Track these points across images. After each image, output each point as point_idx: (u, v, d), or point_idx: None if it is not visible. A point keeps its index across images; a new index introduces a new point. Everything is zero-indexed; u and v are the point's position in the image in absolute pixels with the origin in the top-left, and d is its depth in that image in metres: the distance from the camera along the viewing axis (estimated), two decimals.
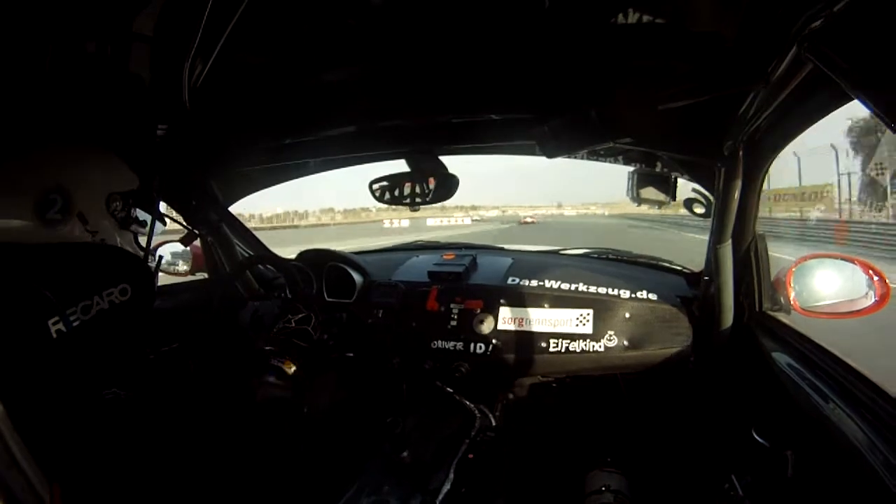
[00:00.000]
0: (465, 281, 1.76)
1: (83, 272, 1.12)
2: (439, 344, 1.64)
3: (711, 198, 1.33)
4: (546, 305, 1.59)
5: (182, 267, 1.90)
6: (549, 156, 1.24)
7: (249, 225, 2.18)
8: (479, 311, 1.64)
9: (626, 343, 1.50)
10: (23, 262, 1.02)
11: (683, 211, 1.42)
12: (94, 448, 0.98)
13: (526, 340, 1.57)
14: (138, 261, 1.31)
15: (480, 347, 1.60)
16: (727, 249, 1.29)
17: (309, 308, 1.56)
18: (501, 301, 1.63)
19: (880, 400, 0.86)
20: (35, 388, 0.91)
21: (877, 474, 0.71)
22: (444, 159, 1.48)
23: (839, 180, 16.07)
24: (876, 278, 1.26)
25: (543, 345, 1.54)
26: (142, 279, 1.26)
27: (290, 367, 1.38)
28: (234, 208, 1.99)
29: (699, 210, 1.36)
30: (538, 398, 1.70)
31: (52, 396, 0.96)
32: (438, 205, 1.49)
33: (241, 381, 1.56)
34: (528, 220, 44.96)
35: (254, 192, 1.98)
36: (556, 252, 2.15)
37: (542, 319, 1.57)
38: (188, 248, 1.85)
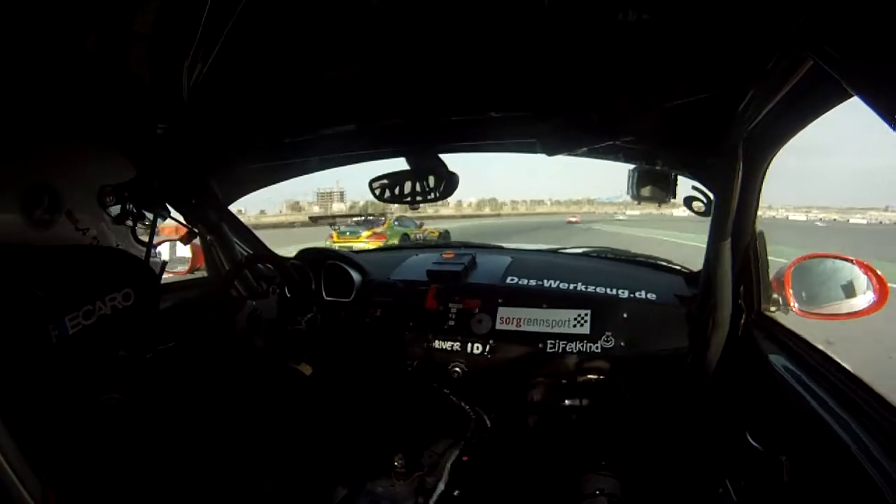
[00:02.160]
0: (464, 280, 1.76)
1: (86, 276, 1.12)
2: (437, 343, 1.64)
3: (711, 196, 1.33)
4: (544, 305, 1.59)
5: (181, 265, 1.90)
6: (550, 153, 1.24)
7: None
8: (477, 310, 1.64)
9: (623, 344, 1.49)
10: (24, 265, 1.01)
11: None
12: (92, 453, 0.98)
13: (523, 341, 1.56)
14: (142, 265, 1.31)
15: (478, 347, 1.59)
16: (726, 248, 1.29)
17: (320, 308, 1.55)
18: (499, 301, 1.63)
19: (877, 405, 0.85)
20: (34, 394, 0.91)
21: (872, 481, 0.70)
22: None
23: None
24: (874, 279, 1.26)
25: (540, 345, 1.54)
26: (145, 284, 1.25)
27: (307, 370, 1.37)
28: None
29: (699, 208, 1.35)
30: (534, 400, 1.70)
31: (52, 402, 0.95)
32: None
33: (240, 381, 1.56)
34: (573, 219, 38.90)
35: (254, 190, 1.98)
36: (554, 251, 2.15)
37: (539, 319, 1.57)
38: (187, 247, 1.85)
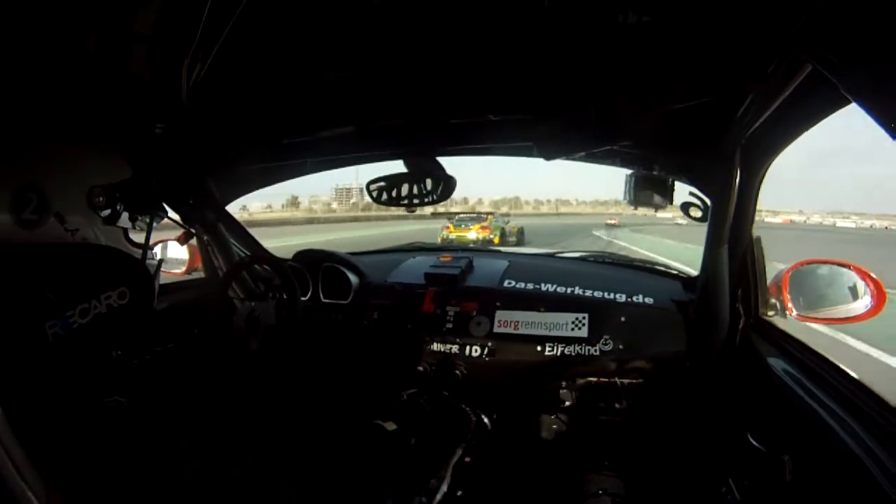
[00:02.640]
0: (461, 283, 1.76)
1: (82, 274, 1.11)
2: (435, 346, 1.64)
3: (708, 201, 1.33)
4: (542, 308, 1.58)
5: (178, 266, 1.89)
6: (548, 157, 1.24)
7: None
8: (474, 313, 1.63)
9: (621, 347, 1.49)
10: (20, 263, 1.01)
11: None
12: (94, 454, 0.97)
13: (521, 344, 1.56)
14: (138, 263, 1.30)
15: (476, 350, 1.59)
16: (723, 253, 1.29)
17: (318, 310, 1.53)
18: (497, 304, 1.63)
19: (876, 406, 0.85)
20: (31, 392, 0.90)
21: (873, 479, 0.70)
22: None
23: None
24: (872, 284, 1.26)
25: (539, 348, 1.54)
26: (141, 283, 1.24)
27: (391, 426, 1.42)
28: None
29: (696, 214, 1.36)
30: (534, 401, 1.70)
31: (48, 400, 0.94)
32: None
33: (240, 383, 1.55)
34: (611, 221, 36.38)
35: (251, 191, 1.97)
36: (552, 255, 2.15)
37: (537, 322, 1.57)
38: (184, 247, 1.84)
